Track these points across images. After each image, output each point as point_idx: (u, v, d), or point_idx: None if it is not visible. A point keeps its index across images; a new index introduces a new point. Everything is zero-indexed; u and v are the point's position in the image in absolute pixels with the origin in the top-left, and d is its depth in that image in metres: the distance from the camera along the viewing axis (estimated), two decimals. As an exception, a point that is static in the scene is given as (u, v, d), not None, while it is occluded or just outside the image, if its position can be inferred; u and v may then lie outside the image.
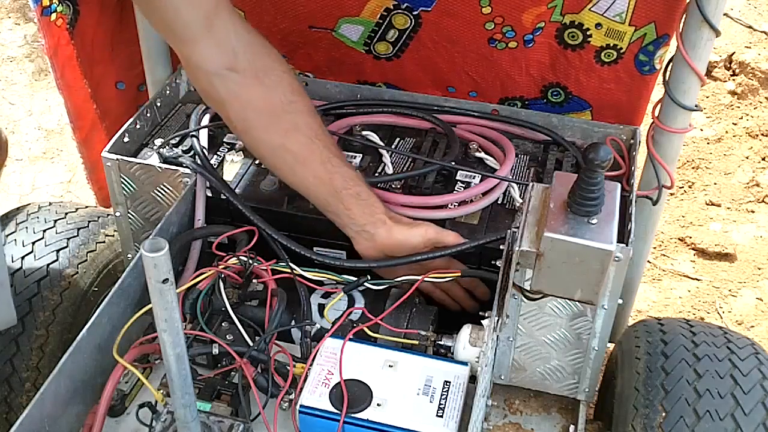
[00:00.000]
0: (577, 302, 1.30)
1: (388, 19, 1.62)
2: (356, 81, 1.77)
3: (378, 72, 1.75)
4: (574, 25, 1.56)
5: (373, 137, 1.63)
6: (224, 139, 1.63)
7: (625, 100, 1.66)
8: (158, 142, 1.59)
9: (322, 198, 1.37)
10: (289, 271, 1.36)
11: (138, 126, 1.61)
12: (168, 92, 1.73)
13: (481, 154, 1.59)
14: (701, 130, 3.10)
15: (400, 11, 1.60)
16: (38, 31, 1.71)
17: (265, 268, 1.36)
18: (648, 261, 2.15)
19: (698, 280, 2.51)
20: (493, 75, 1.68)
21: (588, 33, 1.57)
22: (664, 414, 1.25)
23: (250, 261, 1.36)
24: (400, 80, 1.76)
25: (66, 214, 1.71)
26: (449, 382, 1.22)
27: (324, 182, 1.35)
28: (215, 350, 1.24)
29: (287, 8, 1.65)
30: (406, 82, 1.75)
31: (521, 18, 1.55)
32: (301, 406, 1.18)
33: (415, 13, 1.59)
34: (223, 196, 1.46)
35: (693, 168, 2.95)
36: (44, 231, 1.64)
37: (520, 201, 1.48)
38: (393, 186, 1.51)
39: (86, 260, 1.65)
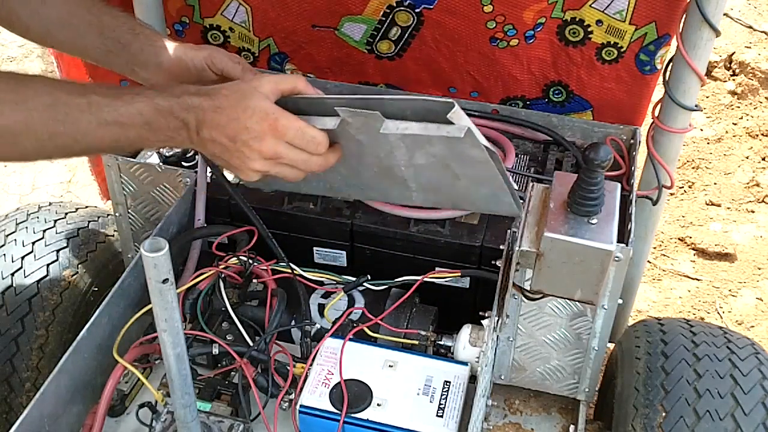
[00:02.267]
0: (577, 302, 1.30)
1: (390, 16, 1.62)
2: (358, 82, 1.77)
3: (380, 72, 1.75)
4: (575, 22, 1.57)
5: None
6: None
7: (626, 99, 1.66)
8: (158, 142, 1.59)
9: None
10: (289, 271, 1.36)
11: (138, 126, 1.61)
12: (168, 92, 1.72)
13: (481, 154, 1.59)
14: (701, 130, 3.10)
15: (402, 8, 1.60)
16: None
17: (265, 268, 1.36)
18: (648, 261, 2.15)
19: (698, 280, 2.51)
20: (495, 75, 1.68)
21: (589, 30, 1.57)
22: (664, 414, 1.25)
23: (250, 261, 1.36)
24: (402, 80, 1.75)
25: (66, 214, 1.71)
26: (449, 382, 1.22)
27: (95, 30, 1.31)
28: (215, 350, 1.24)
29: (291, 5, 1.65)
30: (408, 82, 1.75)
31: (522, 15, 1.56)
32: (301, 406, 1.18)
33: (417, 10, 1.59)
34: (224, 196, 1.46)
35: (693, 168, 2.95)
36: (44, 231, 1.64)
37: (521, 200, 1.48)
38: (393, 186, 1.51)
39: (86, 260, 1.65)
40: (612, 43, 1.58)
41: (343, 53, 1.72)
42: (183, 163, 1.54)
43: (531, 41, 1.61)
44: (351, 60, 1.73)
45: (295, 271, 1.36)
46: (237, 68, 1.29)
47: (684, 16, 1.42)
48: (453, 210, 1.43)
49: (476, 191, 1.24)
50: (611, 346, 1.57)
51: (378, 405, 1.18)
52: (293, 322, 1.34)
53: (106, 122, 1.05)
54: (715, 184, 2.88)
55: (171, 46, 1.32)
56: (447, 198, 1.32)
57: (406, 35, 1.65)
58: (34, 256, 1.60)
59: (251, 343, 1.25)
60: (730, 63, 3.32)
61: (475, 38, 1.62)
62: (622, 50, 1.58)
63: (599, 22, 1.55)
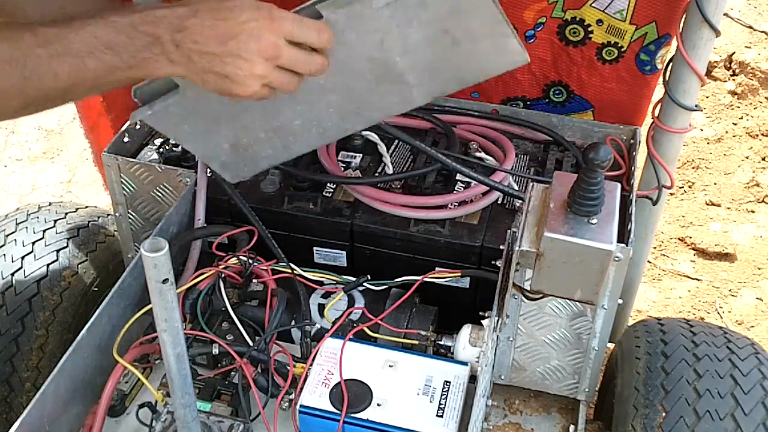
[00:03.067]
0: (577, 302, 1.30)
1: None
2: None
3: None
4: (575, 21, 1.57)
5: (373, 137, 1.62)
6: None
7: (627, 99, 1.66)
8: (158, 141, 1.59)
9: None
10: (289, 271, 1.36)
11: (138, 126, 1.61)
12: (168, 92, 1.72)
13: (481, 154, 1.59)
14: (701, 130, 3.10)
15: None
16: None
17: (265, 268, 1.36)
18: (648, 261, 2.15)
19: (698, 280, 2.51)
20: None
21: (589, 29, 1.57)
22: (664, 414, 1.25)
23: (250, 261, 1.36)
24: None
25: (66, 214, 1.71)
26: (449, 382, 1.22)
27: None
28: (215, 350, 1.24)
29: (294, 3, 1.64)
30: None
31: (523, 15, 1.56)
32: (301, 406, 1.18)
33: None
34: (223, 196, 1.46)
35: (693, 168, 2.95)
36: (44, 231, 1.64)
37: (520, 201, 1.48)
38: (393, 186, 1.51)
39: (86, 260, 1.65)
40: (612, 42, 1.58)
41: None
42: (183, 163, 1.54)
43: (531, 41, 1.61)
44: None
45: (295, 271, 1.36)
46: None
47: (684, 16, 1.42)
48: (460, 87, 1.28)
49: (478, 50, 1.16)
50: (611, 346, 1.57)
51: (378, 405, 1.18)
52: (293, 322, 1.34)
53: (57, 54, 0.93)
54: (715, 184, 2.88)
55: None
56: (449, 77, 1.22)
57: (406, 35, 1.65)
58: (34, 256, 1.60)
59: (251, 343, 1.25)
60: (730, 63, 3.32)
61: (475, 38, 1.62)
62: (623, 50, 1.58)
63: (599, 21, 1.55)
